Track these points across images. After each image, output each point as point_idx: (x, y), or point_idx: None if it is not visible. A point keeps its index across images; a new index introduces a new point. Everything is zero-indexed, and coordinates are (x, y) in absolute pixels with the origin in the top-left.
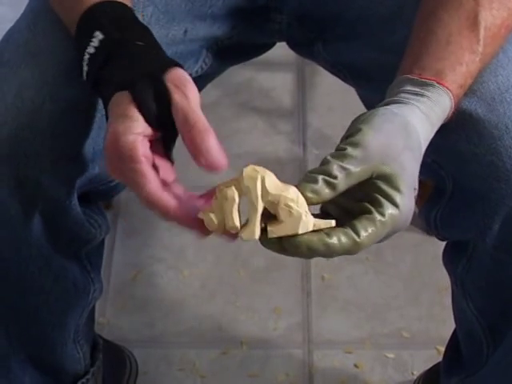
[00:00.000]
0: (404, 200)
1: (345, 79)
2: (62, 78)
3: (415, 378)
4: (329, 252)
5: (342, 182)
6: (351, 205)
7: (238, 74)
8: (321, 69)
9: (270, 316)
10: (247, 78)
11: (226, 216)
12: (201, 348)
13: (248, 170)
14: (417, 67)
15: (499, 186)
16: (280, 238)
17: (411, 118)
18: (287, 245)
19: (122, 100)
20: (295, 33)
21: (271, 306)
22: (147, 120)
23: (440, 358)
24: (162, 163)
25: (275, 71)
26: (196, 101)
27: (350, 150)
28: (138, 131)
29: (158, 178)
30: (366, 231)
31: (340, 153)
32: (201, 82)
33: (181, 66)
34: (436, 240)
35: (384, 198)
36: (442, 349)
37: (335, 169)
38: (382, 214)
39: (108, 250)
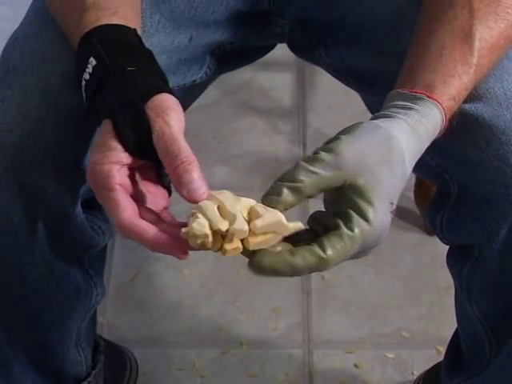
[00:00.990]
0: (377, 214)
1: (347, 83)
2: (66, 86)
3: (415, 378)
4: (295, 271)
5: (309, 186)
6: (329, 221)
7: (238, 74)
8: (321, 69)
9: (270, 316)
10: (247, 78)
11: (214, 219)
12: (200, 348)
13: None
14: (409, 81)
15: (507, 192)
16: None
17: (396, 132)
18: (252, 267)
19: (104, 128)
20: (297, 36)
21: (271, 305)
22: (127, 149)
23: (440, 358)
24: (152, 190)
25: (275, 71)
26: (178, 128)
27: (322, 154)
28: (114, 160)
29: (134, 207)
30: (334, 247)
31: (312, 156)
32: (203, 85)
33: (168, 91)
34: (436, 240)
35: (355, 211)
36: (442, 349)
37: (302, 173)
38: (351, 229)
39: (108, 250)
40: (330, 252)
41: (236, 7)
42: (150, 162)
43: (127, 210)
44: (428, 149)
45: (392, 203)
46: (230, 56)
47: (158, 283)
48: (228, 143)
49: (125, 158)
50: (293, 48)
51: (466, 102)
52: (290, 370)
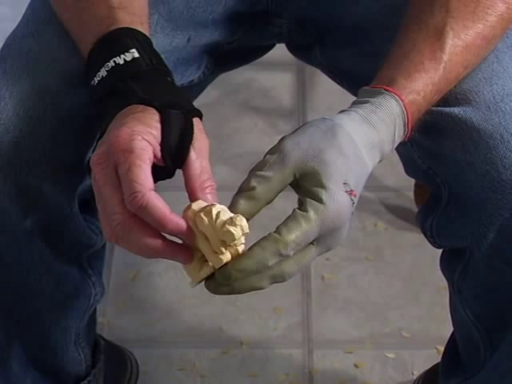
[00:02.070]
0: (330, 194)
1: (341, 85)
2: (63, 86)
3: (415, 377)
4: (259, 263)
5: (262, 190)
6: None
7: (238, 73)
8: None
9: (270, 316)
10: (247, 77)
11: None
12: (201, 348)
13: None
14: (375, 79)
15: (494, 197)
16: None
17: (341, 121)
18: (220, 277)
19: (151, 114)
20: (295, 37)
21: (271, 305)
22: (162, 146)
23: (440, 358)
24: None
25: (275, 71)
26: (208, 154)
27: (268, 156)
28: (153, 144)
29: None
30: (289, 229)
31: (260, 162)
32: (201, 86)
33: (201, 117)
34: None
35: (308, 197)
36: (442, 349)
37: (253, 180)
38: (305, 210)
39: (108, 250)
40: (285, 233)
41: (234, 7)
42: (162, 168)
43: (152, 184)
44: (419, 152)
45: (346, 183)
46: (228, 56)
47: (157, 283)
48: (228, 143)
49: (159, 151)
50: (291, 48)
51: (455, 105)
52: (290, 370)
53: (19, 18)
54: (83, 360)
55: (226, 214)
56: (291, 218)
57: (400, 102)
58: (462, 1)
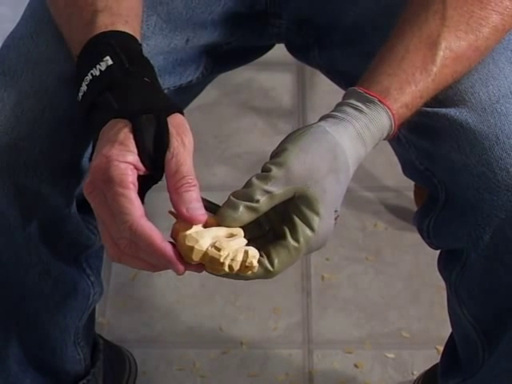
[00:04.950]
0: (321, 223)
1: (340, 85)
2: (61, 87)
3: (415, 378)
4: (242, 278)
5: (264, 204)
6: (277, 222)
7: (238, 73)
8: None
9: (270, 316)
10: (247, 77)
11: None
12: (200, 348)
13: None
14: (367, 80)
15: (490, 198)
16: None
17: (341, 139)
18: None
19: (121, 128)
20: (294, 37)
21: (271, 305)
22: (140, 154)
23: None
24: None
25: (275, 71)
26: (191, 151)
27: (274, 171)
28: (131, 161)
29: (142, 209)
30: (281, 261)
31: (264, 174)
32: (200, 86)
33: (181, 112)
34: None
35: (301, 220)
36: (442, 349)
37: (258, 193)
38: (297, 241)
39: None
40: (277, 265)
41: (233, 8)
42: (152, 173)
43: (140, 209)
44: (417, 153)
45: (336, 210)
46: (227, 56)
47: (157, 283)
48: (228, 143)
49: (138, 162)
50: (290, 49)
51: (451, 106)
52: (289, 370)
53: (19, 19)
54: (82, 359)
55: (239, 254)
56: (284, 247)
57: (391, 116)
58: (458, 10)
